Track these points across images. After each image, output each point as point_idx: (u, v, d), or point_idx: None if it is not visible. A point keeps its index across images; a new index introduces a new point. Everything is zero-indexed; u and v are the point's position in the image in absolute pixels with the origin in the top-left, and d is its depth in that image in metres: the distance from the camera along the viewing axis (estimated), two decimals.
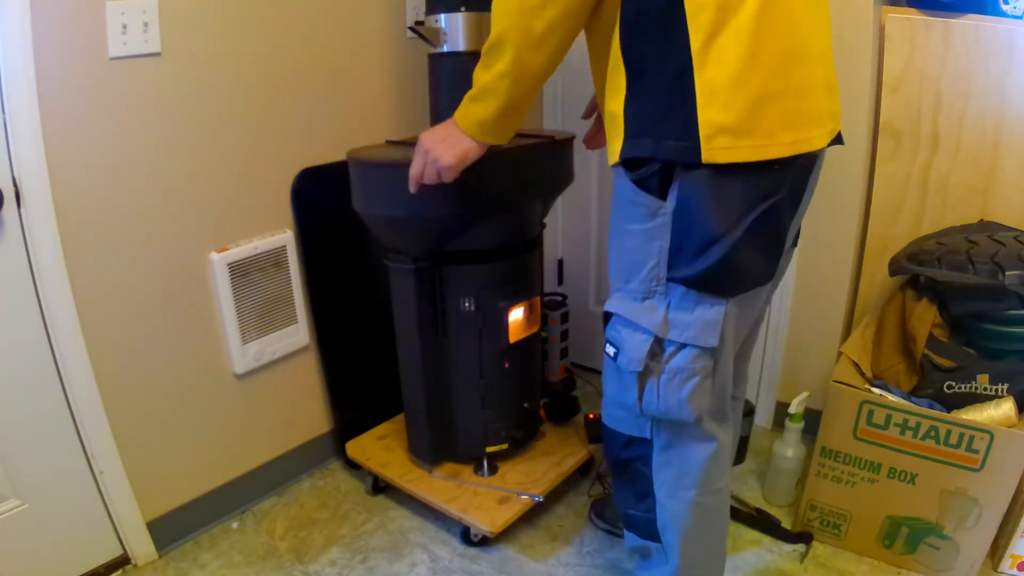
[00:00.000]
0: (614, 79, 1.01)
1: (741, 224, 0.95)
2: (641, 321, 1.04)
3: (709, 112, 0.91)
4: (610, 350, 1.10)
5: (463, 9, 1.49)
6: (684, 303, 1.02)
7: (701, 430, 1.10)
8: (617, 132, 1.01)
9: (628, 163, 1.02)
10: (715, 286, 0.99)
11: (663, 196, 0.98)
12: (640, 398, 1.07)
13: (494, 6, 1.00)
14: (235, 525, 1.76)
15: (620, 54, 0.98)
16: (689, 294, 1.01)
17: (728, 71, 0.89)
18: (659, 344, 1.04)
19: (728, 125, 0.91)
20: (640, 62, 0.96)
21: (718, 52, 0.89)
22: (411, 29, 1.66)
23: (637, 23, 0.95)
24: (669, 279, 1.01)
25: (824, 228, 1.84)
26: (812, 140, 0.97)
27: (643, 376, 1.06)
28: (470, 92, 1.10)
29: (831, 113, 1.04)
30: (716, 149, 0.91)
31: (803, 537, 1.62)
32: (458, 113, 1.14)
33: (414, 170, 1.20)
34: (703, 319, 1.01)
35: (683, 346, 1.03)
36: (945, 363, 1.46)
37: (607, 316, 1.11)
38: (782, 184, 0.97)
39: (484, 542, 1.66)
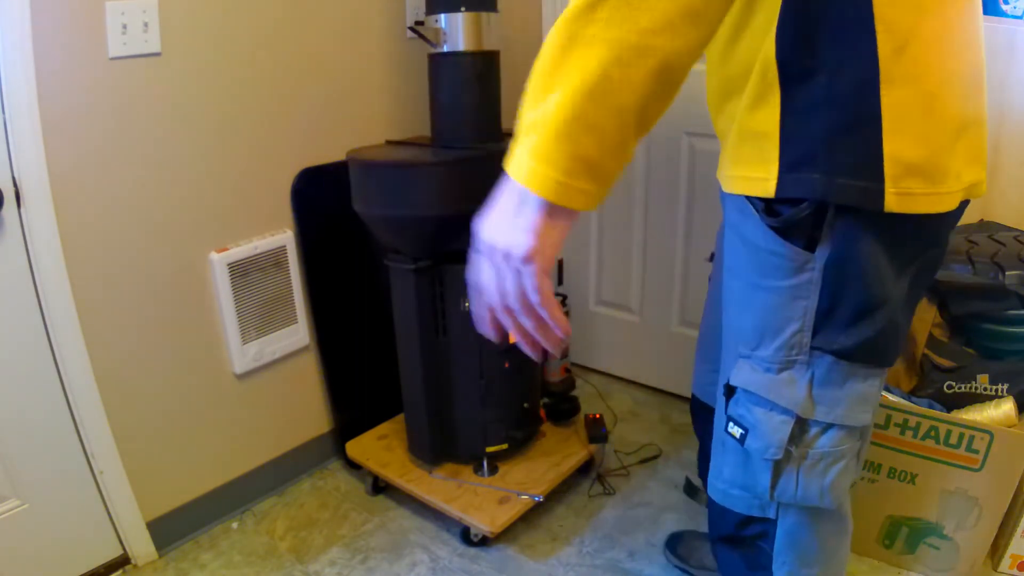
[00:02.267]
0: (758, 84, 0.74)
1: (903, 279, 0.77)
2: (780, 399, 0.84)
3: (897, 143, 0.69)
4: (735, 430, 0.90)
5: (463, 9, 1.49)
6: (832, 376, 0.82)
7: (837, 513, 0.95)
8: (762, 156, 0.76)
9: (763, 200, 0.78)
10: (874, 356, 0.81)
11: (810, 246, 0.76)
12: (773, 486, 0.89)
13: None
14: (235, 525, 1.75)
15: (773, 51, 0.71)
16: (838, 365, 0.81)
17: (923, 91, 0.68)
18: (802, 425, 0.85)
19: (919, 164, 0.70)
20: (805, 64, 0.71)
21: (911, 63, 0.68)
22: (411, 29, 1.66)
23: (808, 10, 0.69)
24: (815, 347, 0.81)
25: None
26: (982, 183, 0.78)
27: (780, 463, 0.87)
28: (535, 119, 0.64)
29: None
30: (904, 195, 0.70)
31: None
32: (517, 162, 0.66)
33: (491, 297, 0.75)
34: (855, 394, 0.83)
35: (830, 427, 0.85)
36: (945, 363, 1.47)
37: (731, 390, 0.91)
38: (949, 226, 0.78)
39: (484, 542, 1.66)
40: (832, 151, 0.71)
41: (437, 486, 1.71)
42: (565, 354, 2.27)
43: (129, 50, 1.37)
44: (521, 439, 1.79)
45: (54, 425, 1.44)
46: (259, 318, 1.71)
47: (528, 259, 0.66)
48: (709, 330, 1.18)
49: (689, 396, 2.28)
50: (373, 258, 1.85)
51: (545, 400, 2.00)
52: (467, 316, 1.62)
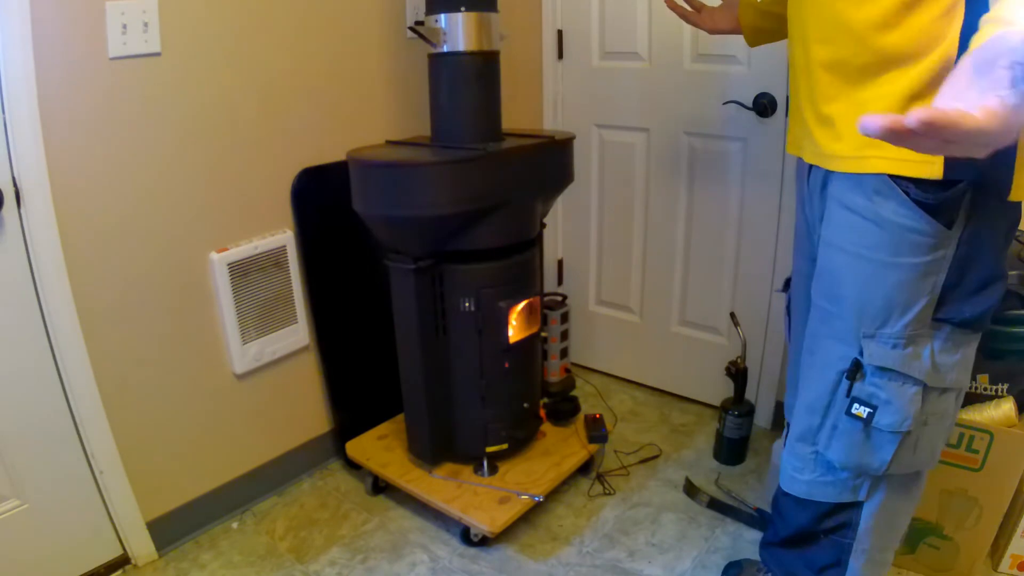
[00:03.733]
0: (935, 68, 0.76)
1: (1005, 252, 0.85)
2: (911, 371, 0.90)
3: None
4: (860, 411, 0.93)
5: (463, 9, 1.49)
6: (948, 345, 0.89)
7: (919, 481, 1.01)
8: None
9: (915, 181, 0.82)
10: (985, 323, 0.89)
11: (949, 224, 0.82)
12: (894, 459, 0.94)
13: None
14: (235, 525, 1.76)
15: (958, 36, 0.74)
16: (955, 333, 0.89)
17: None
18: (926, 394, 0.92)
19: None
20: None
21: None
22: (411, 29, 1.66)
23: None
24: (938, 319, 0.88)
25: None
26: None
27: (908, 434, 0.93)
28: None
29: None
30: (1019, 186, 0.79)
31: None
32: None
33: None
34: (964, 359, 0.91)
35: (946, 391, 0.92)
36: None
37: (856, 372, 0.94)
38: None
39: (484, 542, 1.66)
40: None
41: (437, 486, 1.71)
42: (565, 354, 2.27)
43: (129, 50, 1.37)
44: (521, 439, 1.79)
45: (54, 425, 1.44)
46: (259, 318, 1.71)
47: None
48: (798, 356, 1.22)
49: (689, 396, 2.29)
50: (373, 258, 1.85)
51: (545, 400, 2.00)
52: (467, 316, 1.62)
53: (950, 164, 0.79)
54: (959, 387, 0.93)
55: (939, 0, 0.76)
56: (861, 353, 0.93)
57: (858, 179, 0.88)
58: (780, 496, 1.11)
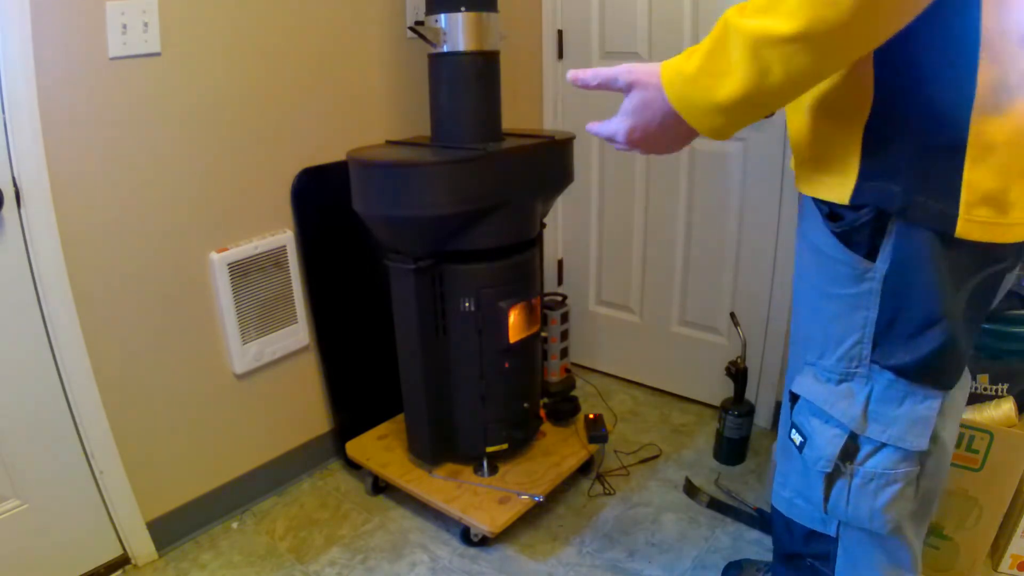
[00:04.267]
0: (848, 91, 0.75)
1: (960, 297, 0.75)
2: (835, 411, 0.85)
3: (978, 172, 0.69)
4: (796, 438, 0.90)
5: (463, 9, 1.49)
6: (890, 393, 0.81)
7: (897, 539, 0.91)
8: (844, 163, 0.77)
9: (829, 204, 0.80)
10: (933, 376, 0.79)
11: (871, 255, 0.77)
12: (826, 499, 0.89)
13: None
14: (235, 525, 1.76)
15: (872, 63, 0.73)
16: (898, 383, 0.81)
17: (1012, 125, 0.68)
18: (854, 441, 0.84)
19: (994, 194, 0.70)
20: (902, 80, 0.71)
21: (1007, 96, 0.68)
22: (411, 29, 1.66)
23: (916, 30, 0.67)
24: (874, 361, 0.81)
25: None
26: None
27: (832, 477, 0.87)
28: (704, 46, 0.70)
29: None
30: (974, 223, 0.71)
31: None
32: (674, 77, 0.74)
33: (604, 129, 0.90)
34: (913, 416, 0.81)
35: (884, 446, 0.83)
36: None
37: (795, 397, 0.92)
38: (1010, 251, 0.76)
39: (484, 542, 1.66)
40: (914, 168, 0.72)
41: (437, 486, 1.71)
42: (565, 354, 2.27)
43: (129, 50, 1.37)
44: (521, 439, 1.79)
45: (54, 425, 1.44)
46: (259, 318, 1.71)
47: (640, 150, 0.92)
48: None
49: (689, 396, 2.29)
50: (373, 258, 1.85)
51: (545, 400, 2.00)
52: (467, 316, 1.62)
53: (859, 187, 0.75)
54: (907, 448, 0.81)
55: None
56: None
57: (806, 201, 0.86)
58: (772, 508, 1.07)
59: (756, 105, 0.70)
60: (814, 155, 0.81)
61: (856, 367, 0.83)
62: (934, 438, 0.82)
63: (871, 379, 0.82)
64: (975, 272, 0.75)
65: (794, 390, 0.91)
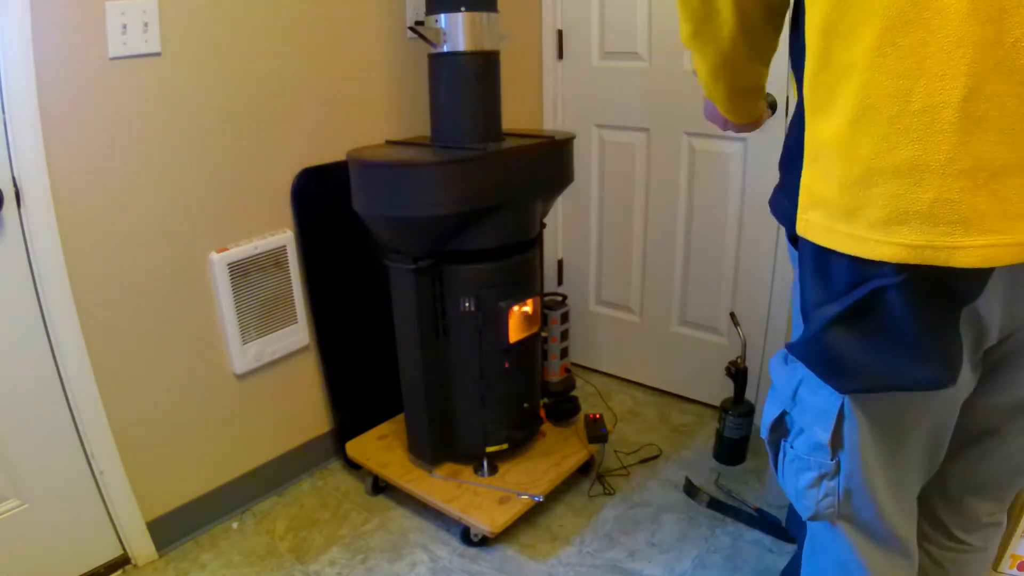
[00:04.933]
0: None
1: (839, 302, 0.73)
2: (778, 386, 0.89)
3: (810, 175, 0.71)
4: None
5: (463, 9, 1.49)
6: (812, 381, 0.83)
7: (845, 542, 0.90)
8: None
9: None
10: (816, 368, 0.81)
11: (796, 246, 0.82)
12: (776, 471, 0.93)
13: None
14: (235, 525, 1.76)
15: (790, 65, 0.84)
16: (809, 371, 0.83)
17: (835, 125, 0.65)
18: (787, 420, 0.89)
19: (829, 198, 0.68)
20: (796, 89, 0.79)
21: (825, 93, 0.66)
22: (411, 29, 1.66)
23: (794, 43, 0.77)
24: (786, 345, 0.85)
25: None
26: (965, 251, 0.62)
27: (776, 450, 0.92)
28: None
29: None
30: (809, 224, 0.72)
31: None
32: None
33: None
34: (818, 407, 0.83)
35: (803, 430, 0.87)
36: None
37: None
38: (897, 272, 0.69)
39: (484, 542, 1.66)
40: (782, 168, 0.83)
41: (437, 486, 1.71)
42: (565, 354, 2.27)
43: (129, 50, 1.37)
44: (521, 439, 1.79)
45: (54, 425, 1.44)
46: (259, 318, 1.71)
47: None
48: None
49: (689, 396, 2.29)
50: (373, 258, 1.85)
51: (545, 400, 2.00)
52: (467, 316, 1.62)
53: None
54: (812, 437, 0.83)
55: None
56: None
57: None
58: None
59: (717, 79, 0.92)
60: None
61: None
62: (839, 439, 0.82)
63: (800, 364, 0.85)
64: (850, 282, 0.71)
65: (769, 364, 0.95)
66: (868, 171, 0.64)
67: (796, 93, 0.79)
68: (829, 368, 0.79)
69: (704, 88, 0.97)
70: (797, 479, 0.88)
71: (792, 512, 1.04)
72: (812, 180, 0.70)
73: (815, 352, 0.79)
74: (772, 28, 0.85)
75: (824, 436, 0.83)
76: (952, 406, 0.83)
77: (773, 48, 0.88)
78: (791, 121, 0.81)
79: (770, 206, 0.88)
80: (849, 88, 0.63)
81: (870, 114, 0.62)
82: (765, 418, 0.92)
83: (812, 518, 0.89)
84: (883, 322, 0.72)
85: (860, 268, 0.70)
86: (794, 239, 0.81)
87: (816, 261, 0.74)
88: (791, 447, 0.88)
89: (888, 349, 0.74)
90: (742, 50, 0.86)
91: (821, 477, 0.86)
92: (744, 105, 1.00)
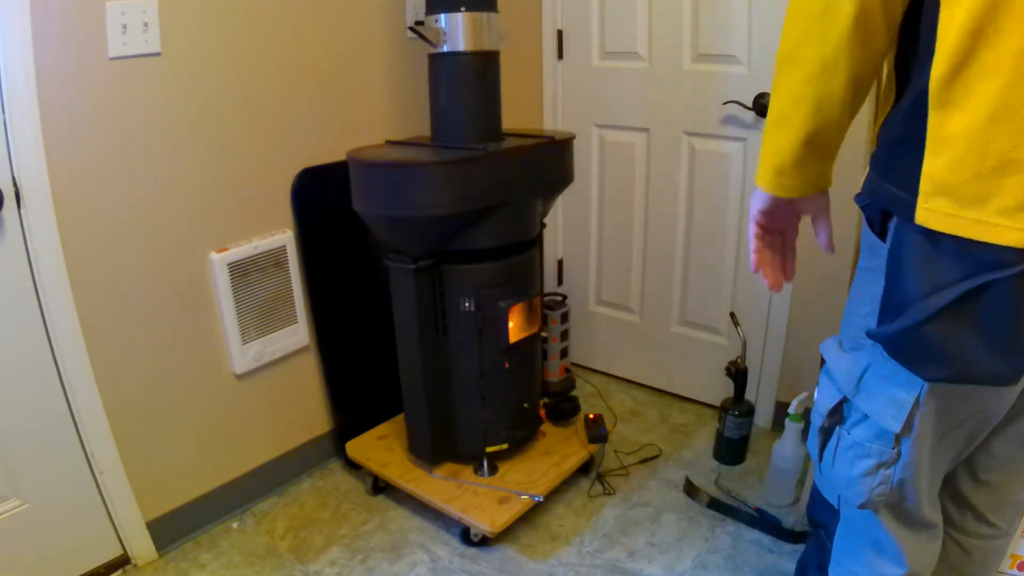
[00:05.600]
0: (886, 89, 0.85)
1: (946, 293, 0.75)
2: (838, 375, 0.91)
3: (935, 163, 0.73)
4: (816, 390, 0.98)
5: (463, 9, 1.49)
6: (882, 370, 0.85)
7: (882, 526, 0.94)
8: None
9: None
10: (905, 357, 0.82)
11: (882, 235, 0.83)
12: (820, 457, 0.95)
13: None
14: (235, 525, 1.76)
15: (892, 62, 0.81)
16: (888, 361, 0.84)
17: (970, 120, 0.69)
18: (846, 406, 0.90)
19: (954, 186, 0.72)
20: (900, 78, 0.79)
21: (963, 88, 0.69)
22: (411, 29, 1.66)
23: (907, 32, 0.76)
24: (868, 333, 0.86)
25: None
26: None
27: (826, 436, 0.93)
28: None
29: None
30: (931, 212, 0.74)
31: (803, 537, 1.62)
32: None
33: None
34: (890, 395, 0.85)
35: (865, 417, 0.88)
36: None
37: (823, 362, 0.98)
38: (1017, 261, 0.72)
39: (484, 542, 1.66)
40: (888, 158, 0.80)
41: (437, 486, 1.71)
42: (565, 354, 2.27)
43: (129, 50, 1.37)
44: (521, 439, 1.79)
45: (54, 425, 1.44)
46: (259, 318, 1.71)
47: (752, 215, 0.97)
48: None
49: (689, 396, 2.29)
50: (373, 258, 1.85)
51: (545, 400, 2.00)
52: (467, 316, 1.62)
53: (867, 176, 0.84)
54: (882, 425, 0.86)
55: None
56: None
57: None
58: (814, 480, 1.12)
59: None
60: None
61: (863, 339, 0.87)
62: (909, 428, 0.85)
63: (872, 352, 0.86)
64: (960, 273, 0.75)
65: (820, 350, 0.97)
66: (1002, 162, 0.68)
67: (895, 89, 0.81)
68: (920, 357, 0.81)
69: (774, 133, 0.87)
70: (851, 467, 0.89)
71: (818, 499, 1.04)
72: (937, 170, 0.73)
73: (911, 342, 0.80)
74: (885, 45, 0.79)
75: (895, 424, 0.85)
76: (1007, 403, 0.88)
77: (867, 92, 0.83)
78: (896, 115, 0.79)
79: (866, 197, 0.84)
80: (990, 87, 0.67)
81: (1010, 112, 0.67)
82: (820, 405, 0.93)
83: (863, 506, 0.91)
84: (985, 314, 0.76)
85: (975, 258, 0.73)
86: (883, 232, 0.82)
87: (927, 251, 0.76)
88: (847, 433, 0.90)
89: (979, 341, 0.77)
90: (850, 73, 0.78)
91: (879, 465, 0.88)
92: (817, 164, 0.88)
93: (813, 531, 1.11)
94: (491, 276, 1.60)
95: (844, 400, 0.90)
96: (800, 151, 0.84)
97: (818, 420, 0.93)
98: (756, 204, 0.95)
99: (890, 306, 0.82)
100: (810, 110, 0.80)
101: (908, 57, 0.77)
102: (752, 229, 0.97)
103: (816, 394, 0.95)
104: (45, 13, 1.25)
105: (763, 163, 0.91)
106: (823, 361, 0.97)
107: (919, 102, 0.73)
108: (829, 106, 0.79)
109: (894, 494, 0.90)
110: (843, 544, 1.01)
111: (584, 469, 1.88)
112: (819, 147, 0.84)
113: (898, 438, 0.86)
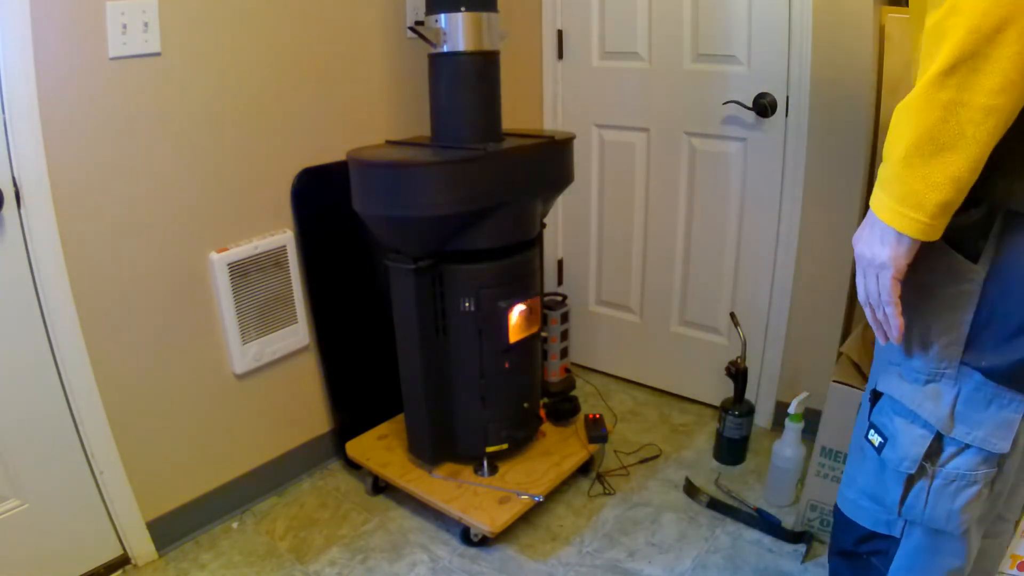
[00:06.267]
0: None
1: None
2: (922, 411, 0.85)
3: None
4: (875, 438, 0.90)
5: (463, 9, 1.49)
6: (978, 396, 0.81)
7: (961, 542, 0.91)
8: None
9: None
10: (1022, 380, 0.79)
11: (974, 257, 0.77)
12: (902, 501, 0.89)
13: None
14: (235, 525, 1.76)
15: None
16: (986, 385, 0.80)
17: None
18: (939, 442, 0.85)
19: None
20: None
21: None
22: (411, 29, 1.66)
23: None
24: (964, 363, 0.81)
25: (823, 228, 1.84)
26: None
27: (913, 478, 0.87)
28: (898, 154, 0.72)
29: None
30: None
31: (803, 537, 1.62)
32: (881, 194, 0.76)
33: (860, 294, 0.85)
34: (998, 418, 0.81)
35: (967, 448, 0.83)
36: None
37: (876, 396, 0.92)
38: None
39: (484, 542, 1.66)
40: (1016, 156, 0.71)
41: (437, 486, 1.71)
42: (565, 354, 2.27)
43: (129, 50, 1.37)
44: (521, 439, 1.79)
45: (54, 425, 1.44)
46: (259, 318, 1.71)
47: (885, 265, 0.79)
48: None
49: (689, 396, 2.29)
50: (373, 258, 1.85)
51: (545, 400, 2.00)
52: (467, 316, 1.62)
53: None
54: (990, 450, 0.82)
55: None
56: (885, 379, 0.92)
57: None
58: (835, 507, 1.08)
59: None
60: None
61: (945, 368, 0.83)
62: (1016, 444, 0.83)
63: (959, 380, 0.82)
64: None
65: (880, 389, 0.90)
66: None
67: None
68: None
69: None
70: (954, 501, 0.85)
71: (854, 530, 1.00)
72: None
73: None
74: None
75: (1004, 446, 0.82)
76: None
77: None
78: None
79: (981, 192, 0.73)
80: None
81: None
82: (904, 451, 0.87)
83: (964, 533, 0.88)
84: None
85: None
86: (975, 255, 0.76)
87: None
88: (945, 470, 0.85)
89: None
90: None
91: (984, 488, 0.85)
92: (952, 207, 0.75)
93: (846, 559, 1.05)
94: (491, 276, 1.60)
95: (936, 436, 0.84)
96: (973, 176, 0.70)
97: (906, 466, 0.86)
98: (899, 255, 0.77)
99: (995, 331, 0.77)
100: (1000, 123, 0.67)
101: None
102: (890, 286, 0.80)
103: (888, 441, 0.88)
104: (45, 13, 1.25)
105: (910, 202, 0.73)
106: (874, 401, 0.91)
107: None
108: (1010, 118, 0.67)
109: (987, 508, 0.88)
110: (909, 564, 0.95)
111: (584, 469, 1.88)
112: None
113: (1004, 457, 0.84)
